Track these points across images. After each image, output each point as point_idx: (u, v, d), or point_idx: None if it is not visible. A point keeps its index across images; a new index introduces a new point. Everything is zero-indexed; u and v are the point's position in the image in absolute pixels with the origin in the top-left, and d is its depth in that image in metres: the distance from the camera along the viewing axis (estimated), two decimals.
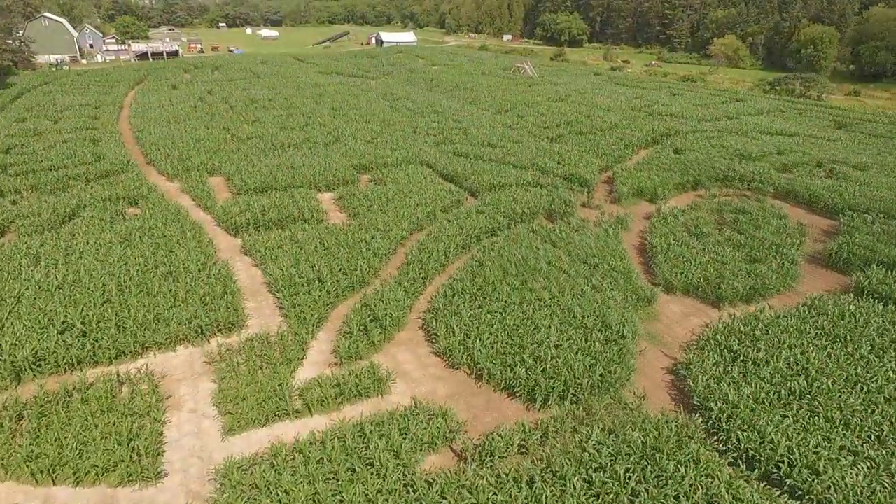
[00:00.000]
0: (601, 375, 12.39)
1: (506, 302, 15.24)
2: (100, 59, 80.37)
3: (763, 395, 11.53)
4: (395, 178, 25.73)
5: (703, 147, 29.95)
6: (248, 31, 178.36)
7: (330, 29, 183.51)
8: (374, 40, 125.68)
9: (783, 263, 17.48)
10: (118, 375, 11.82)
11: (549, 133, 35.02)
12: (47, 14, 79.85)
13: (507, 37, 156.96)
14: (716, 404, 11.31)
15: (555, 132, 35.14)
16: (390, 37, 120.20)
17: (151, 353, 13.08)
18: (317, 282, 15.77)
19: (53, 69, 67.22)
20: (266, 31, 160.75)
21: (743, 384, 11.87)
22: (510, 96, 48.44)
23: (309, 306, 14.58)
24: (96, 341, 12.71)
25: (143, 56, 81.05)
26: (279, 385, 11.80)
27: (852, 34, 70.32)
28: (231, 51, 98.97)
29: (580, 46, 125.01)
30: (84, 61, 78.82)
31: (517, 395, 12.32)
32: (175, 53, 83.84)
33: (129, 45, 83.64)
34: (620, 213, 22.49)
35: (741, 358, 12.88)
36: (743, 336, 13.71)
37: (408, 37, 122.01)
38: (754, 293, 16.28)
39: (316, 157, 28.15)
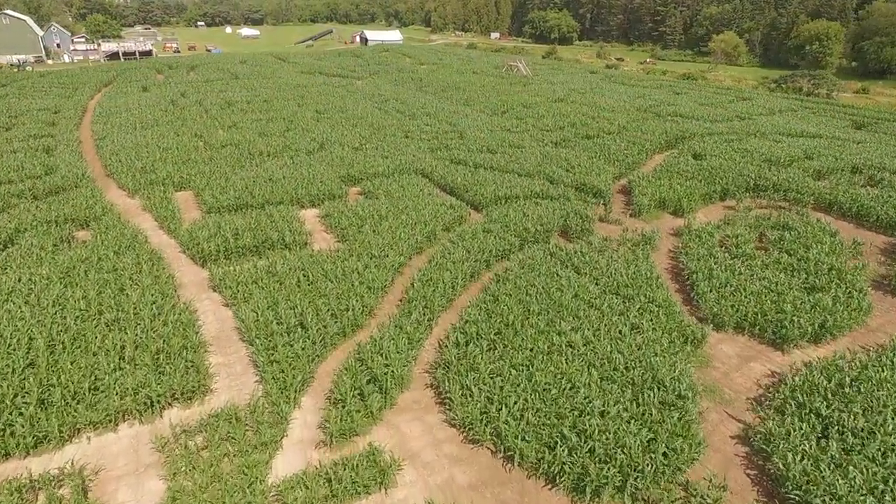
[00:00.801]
0: (664, 455, 9.81)
1: (531, 350, 12.61)
2: (67, 60, 76.44)
3: (881, 484, 9.02)
4: (388, 190, 23.01)
5: (724, 151, 27.60)
6: (228, 30, 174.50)
7: (312, 28, 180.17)
8: (358, 39, 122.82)
9: (850, 293, 15.06)
10: (31, 478, 8.95)
11: (553, 136, 32.55)
12: (8, 11, 75.72)
13: (494, 35, 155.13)
14: (822, 500, 8.77)
15: (558, 136, 32.68)
16: (375, 35, 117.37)
17: (84, 437, 10.22)
18: (299, 328, 12.98)
19: (14, 70, 63.37)
20: (246, 30, 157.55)
21: (850, 468, 9.34)
22: (506, 96, 45.95)
23: (290, 363, 11.80)
24: (9, 425, 9.82)
25: (113, 56, 77.24)
26: (251, 483, 9.03)
27: (853, 29, 68.94)
28: (209, 50, 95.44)
29: (570, 44, 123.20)
30: (50, 61, 74.83)
31: (559, 483, 9.69)
32: (149, 53, 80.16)
33: (99, 45, 79.71)
34: (645, 229, 20.01)
35: (836, 427, 10.36)
36: (829, 395, 11.19)
37: (393, 35, 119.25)
38: (823, 331, 13.82)
39: (298, 168, 25.31)
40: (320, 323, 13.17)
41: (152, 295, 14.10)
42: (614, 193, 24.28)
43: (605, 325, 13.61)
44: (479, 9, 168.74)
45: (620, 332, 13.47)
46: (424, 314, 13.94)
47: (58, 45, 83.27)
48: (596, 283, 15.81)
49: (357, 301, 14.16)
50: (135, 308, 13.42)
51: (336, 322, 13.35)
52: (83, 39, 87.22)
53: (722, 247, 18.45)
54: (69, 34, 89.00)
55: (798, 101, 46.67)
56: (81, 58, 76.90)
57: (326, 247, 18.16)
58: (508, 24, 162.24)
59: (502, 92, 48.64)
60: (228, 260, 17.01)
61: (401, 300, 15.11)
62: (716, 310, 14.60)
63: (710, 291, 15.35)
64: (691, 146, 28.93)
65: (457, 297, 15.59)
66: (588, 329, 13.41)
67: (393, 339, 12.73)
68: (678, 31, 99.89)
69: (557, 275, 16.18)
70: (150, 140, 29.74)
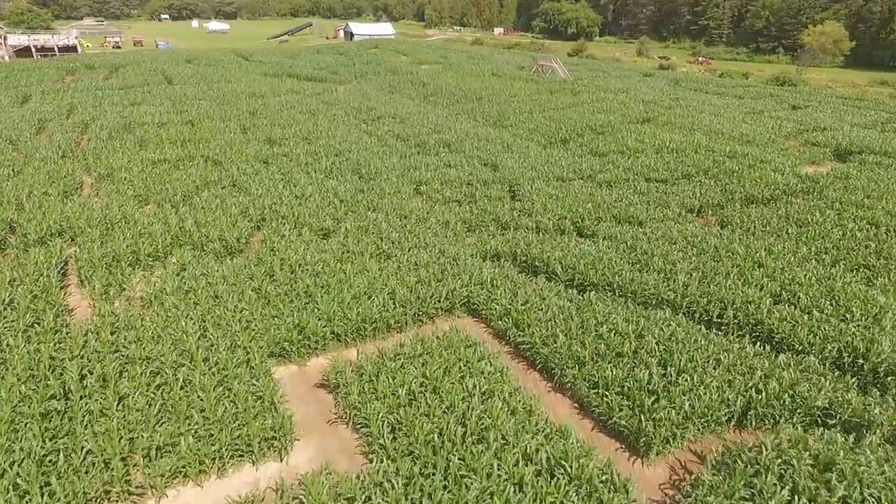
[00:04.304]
0: None
1: None
2: None
3: None
4: (401, 372, 8.91)
5: None
6: (195, 23, 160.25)
7: (292, 22, 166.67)
8: (342, 33, 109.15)
9: None
10: None
11: (678, 194, 18.78)
12: None
13: (497, 30, 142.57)
14: None
15: (689, 192, 18.91)
16: (363, 28, 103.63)
17: None
18: None
19: None
20: (215, 24, 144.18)
21: None
22: (556, 112, 32.15)
23: None
24: None
25: (24, 52, 62.69)
26: None
27: None
28: (158, 45, 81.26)
29: (590, 40, 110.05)
30: None
31: None
32: (72, 49, 65.69)
33: (5, 38, 64.96)
34: None
35: None
36: None
37: (385, 29, 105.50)
38: None
39: (179, 318, 11.04)
40: None
41: None
42: None
43: None
44: (480, 1, 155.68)
45: None
46: None
47: None
48: None
49: None
50: None
51: None
52: None
53: None
54: None
55: None
56: None
57: None
58: (514, 17, 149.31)
59: (546, 105, 34.84)
60: None
61: None
62: None
63: None
64: None
65: None
66: None
67: None
68: (726, 24, 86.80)
69: None
70: None
